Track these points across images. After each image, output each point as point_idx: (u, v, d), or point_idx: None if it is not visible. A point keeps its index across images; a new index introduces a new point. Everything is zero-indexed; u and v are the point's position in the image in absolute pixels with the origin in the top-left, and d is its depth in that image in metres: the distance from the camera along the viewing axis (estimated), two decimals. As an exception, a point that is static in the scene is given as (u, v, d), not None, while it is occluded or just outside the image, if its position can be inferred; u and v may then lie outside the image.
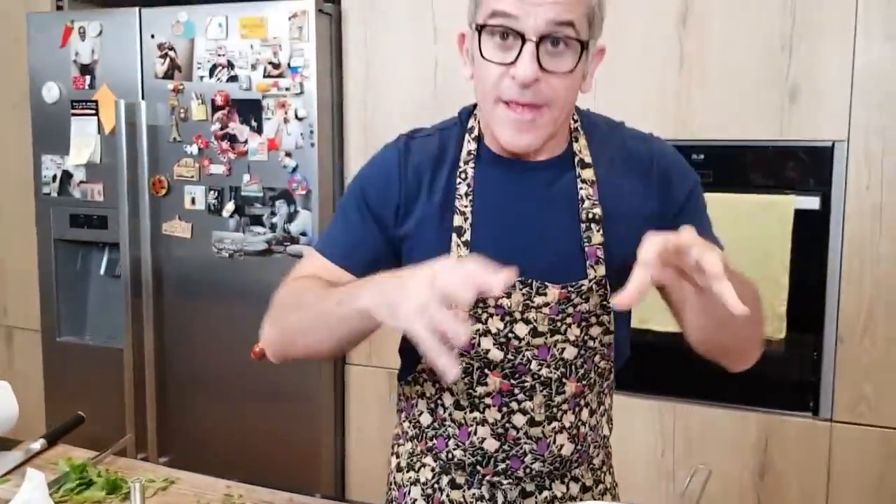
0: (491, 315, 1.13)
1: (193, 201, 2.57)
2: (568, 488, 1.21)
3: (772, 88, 2.09)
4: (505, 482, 1.18)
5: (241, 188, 2.50)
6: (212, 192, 2.54)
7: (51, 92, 2.74)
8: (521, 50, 1.02)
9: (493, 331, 1.13)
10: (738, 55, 2.12)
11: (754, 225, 2.09)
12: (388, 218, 1.15)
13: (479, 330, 1.13)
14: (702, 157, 2.15)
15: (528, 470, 1.17)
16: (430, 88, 2.43)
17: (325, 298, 1.06)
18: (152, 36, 2.57)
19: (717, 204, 2.04)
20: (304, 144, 2.43)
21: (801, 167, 2.10)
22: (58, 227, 2.80)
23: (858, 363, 2.06)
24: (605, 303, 1.15)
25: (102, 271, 2.89)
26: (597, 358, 1.18)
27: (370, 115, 2.52)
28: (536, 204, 1.15)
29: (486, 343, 1.13)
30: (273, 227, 2.49)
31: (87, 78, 2.68)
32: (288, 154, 2.44)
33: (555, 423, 1.16)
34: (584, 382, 1.17)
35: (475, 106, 1.18)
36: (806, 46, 2.05)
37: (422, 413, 1.21)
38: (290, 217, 2.47)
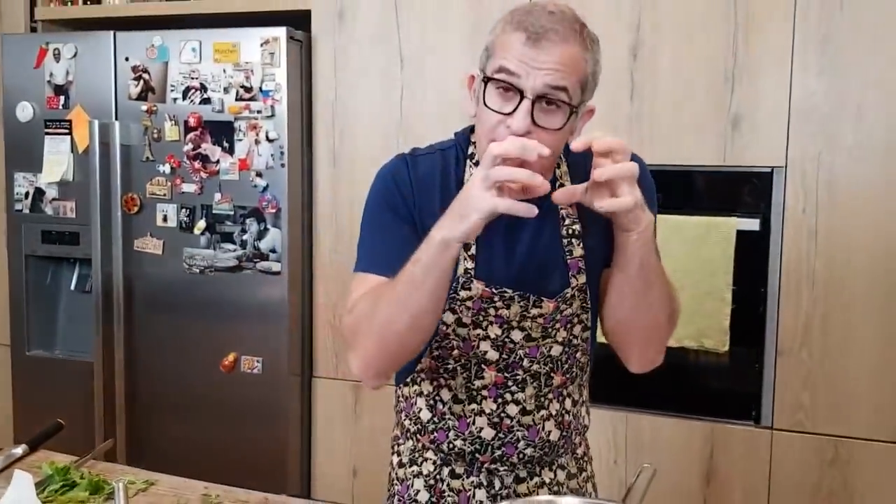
0: (491, 323, 1.26)
1: (165, 219, 2.63)
2: (555, 475, 1.35)
3: (716, 118, 2.22)
4: (501, 469, 1.32)
5: (213, 206, 2.57)
6: (184, 210, 2.60)
7: (24, 111, 2.77)
8: (518, 104, 1.14)
9: (492, 336, 1.27)
10: (684, 87, 2.25)
11: (699, 245, 2.21)
12: (413, 215, 1.25)
13: (479, 335, 1.27)
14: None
15: (521, 456, 1.31)
16: (395, 113, 2.53)
17: (401, 277, 1.14)
18: (126, 59, 2.63)
19: (665, 225, 2.18)
20: (275, 165, 2.50)
21: (742, 191, 2.24)
22: (29, 242, 2.83)
23: (797, 374, 2.19)
24: (584, 304, 1.30)
25: (73, 286, 2.92)
26: (578, 353, 1.34)
27: (338, 137, 2.61)
28: (529, 229, 1.27)
29: (485, 346, 1.27)
30: (244, 244, 2.56)
31: (62, 98, 2.72)
32: (259, 174, 2.52)
33: (543, 412, 1.31)
34: (567, 375, 1.33)
35: (472, 129, 1.31)
36: (747, 80, 2.19)
37: (421, 410, 1.33)
38: (261, 234, 2.54)
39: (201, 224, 2.58)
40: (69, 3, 2.98)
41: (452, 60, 2.44)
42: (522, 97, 1.14)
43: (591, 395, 2.31)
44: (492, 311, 1.26)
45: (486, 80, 1.18)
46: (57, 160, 2.74)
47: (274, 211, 2.52)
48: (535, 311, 1.27)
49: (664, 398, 2.31)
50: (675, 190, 2.27)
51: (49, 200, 2.78)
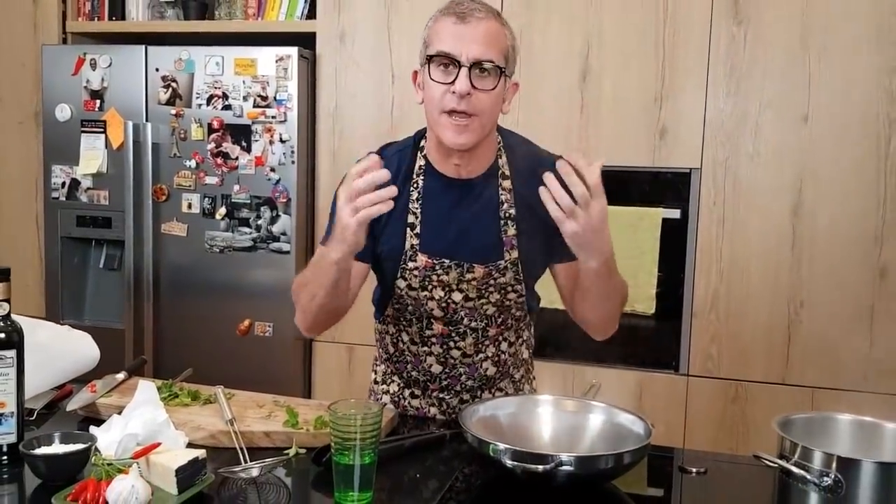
0: (435, 286, 1.48)
1: (190, 206, 2.93)
2: (494, 395, 1.60)
3: (647, 129, 2.61)
4: (447, 396, 1.59)
5: (232, 196, 2.89)
6: (206, 199, 2.92)
7: (63, 112, 3.03)
8: (458, 73, 1.33)
9: (436, 297, 1.49)
10: (623, 104, 2.63)
11: (632, 230, 2.60)
12: None
13: (426, 296, 1.49)
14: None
15: (463, 385, 1.58)
16: (387, 122, 2.88)
17: (312, 271, 1.40)
18: (156, 69, 2.93)
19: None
20: (286, 162, 2.84)
21: (667, 187, 2.62)
22: (64, 226, 3.09)
23: (707, 332, 2.60)
24: (517, 276, 1.49)
25: (101, 265, 3.20)
26: (512, 310, 1.55)
27: (337, 141, 2.95)
28: (468, 208, 1.47)
29: (432, 304, 1.50)
30: (258, 228, 2.88)
31: (97, 102, 3.00)
32: (272, 169, 2.85)
33: (481, 355, 1.55)
34: (502, 327, 1.55)
35: (426, 129, 1.49)
36: (671, 99, 2.58)
37: (388, 345, 1.62)
38: (273, 220, 2.87)
39: (222, 210, 2.90)
40: (96, 18, 3.26)
41: (435, 78, 2.80)
42: (460, 67, 1.32)
43: (547, 354, 2.70)
44: (434, 277, 1.46)
45: (429, 58, 1.36)
46: (93, 154, 3.02)
47: (284, 200, 2.85)
48: (469, 276, 1.46)
49: (604, 353, 2.70)
50: (614, 185, 2.61)
51: (84, 190, 3.06)
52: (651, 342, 2.67)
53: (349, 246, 1.27)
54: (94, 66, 3.00)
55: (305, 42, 2.91)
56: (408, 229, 1.47)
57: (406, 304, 1.53)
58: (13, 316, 1.36)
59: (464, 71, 1.33)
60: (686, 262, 2.62)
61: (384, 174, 1.22)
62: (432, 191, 1.47)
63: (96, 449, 1.27)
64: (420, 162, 1.49)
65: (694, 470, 1.34)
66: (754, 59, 2.51)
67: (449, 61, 1.34)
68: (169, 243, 2.97)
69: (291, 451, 1.38)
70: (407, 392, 1.65)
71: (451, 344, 1.54)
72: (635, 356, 2.68)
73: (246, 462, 1.29)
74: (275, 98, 2.81)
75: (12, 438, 1.31)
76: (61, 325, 3.11)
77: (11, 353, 1.30)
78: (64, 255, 3.13)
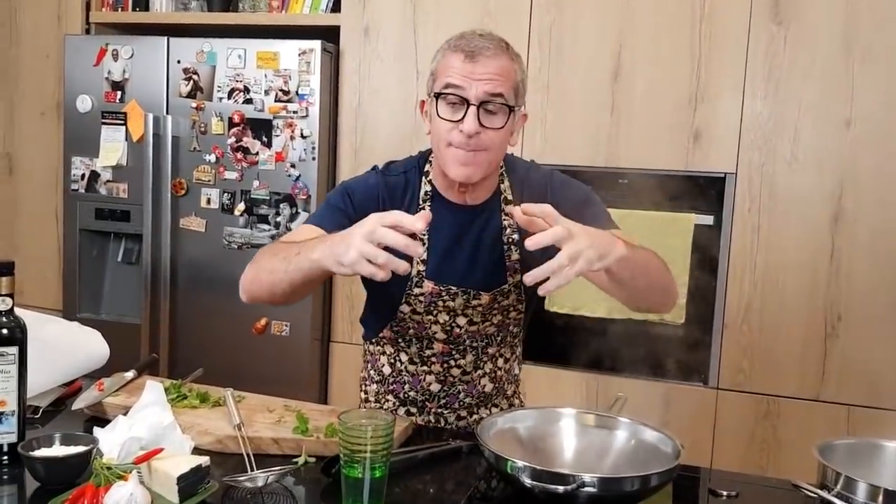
0: (440, 311, 1.49)
1: (209, 201, 2.91)
2: (490, 412, 1.60)
3: (680, 131, 2.54)
4: (445, 412, 1.58)
5: (251, 192, 2.86)
6: (225, 195, 2.89)
7: (83, 103, 3.03)
8: (466, 112, 1.32)
9: (441, 321, 1.50)
10: (655, 105, 2.56)
11: (663, 235, 2.53)
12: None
13: (430, 320, 1.49)
14: (626, 181, 2.62)
15: (461, 403, 1.58)
16: (410, 119, 2.83)
17: (290, 248, 1.27)
18: (178, 61, 2.91)
19: (635, 218, 2.53)
20: (307, 158, 2.80)
21: (699, 192, 2.55)
22: (83, 219, 3.09)
23: (738, 344, 2.53)
24: (519, 297, 1.51)
25: (119, 258, 3.19)
26: (511, 327, 1.57)
27: (359, 137, 2.91)
28: (473, 234, 1.48)
29: (435, 328, 1.50)
30: (277, 225, 2.85)
31: (118, 93, 3.00)
32: (292, 165, 2.82)
33: (479, 371, 1.56)
34: (501, 345, 1.57)
35: (430, 152, 1.49)
36: (707, 101, 2.52)
37: (384, 365, 1.60)
38: (292, 217, 2.84)
39: (241, 206, 2.87)
40: (119, 9, 3.25)
41: (461, 75, 2.75)
42: (469, 105, 1.32)
43: (572, 363, 2.63)
44: (440, 303, 1.48)
45: (437, 95, 1.36)
46: (113, 147, 3.01)
47: (304, 197, 2.82)
48: (475, 302, 1.48)
49: (630, 363, 2.64)
50: (645, 190, 2.56)
51: (103, 182, 3.05)
52: (680, 353, 2.60)
53: (346, 268, 1.14)
54: (115, 56, 2.99)
55: (329, 36, 2.87)
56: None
57: (408, 327, 1.53)
58: (18, 311, 1.33)
59: (472, 110, 1.33)
60: (718, 271, 2.55)
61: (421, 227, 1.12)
62: (438, 217, 1.43)
63: (97, 452, 1.23)
64: (426, 187, 1.49)
65: (725, 493, 1.27)
66: (794, 59, 2.43)
67: (457, 99, 1.34)
68: (187, 238, 2.95)
69: (300, 460, 1.33)
70: (402, 410, 1.62)
71: (452, 362, 1.55)
72: (663, 367, 2.62)
73: (252, 470, 1.25)
74: (297, 92, 2.78)
75: (13, 438, 1.28)
76: (77, 319, 3.16)
77: (13, 350, 1.27)
78: (82, 248, 3.13)
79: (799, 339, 2.48)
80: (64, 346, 1.66)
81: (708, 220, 2.52)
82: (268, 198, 2.85)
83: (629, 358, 2.62)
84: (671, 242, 2.54)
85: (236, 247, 2.90)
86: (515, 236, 1.48)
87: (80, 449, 1.20)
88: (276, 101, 2.80)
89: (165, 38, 2.93)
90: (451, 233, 1.47)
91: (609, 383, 2.65)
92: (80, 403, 1.52)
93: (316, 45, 2.76)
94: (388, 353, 1.60)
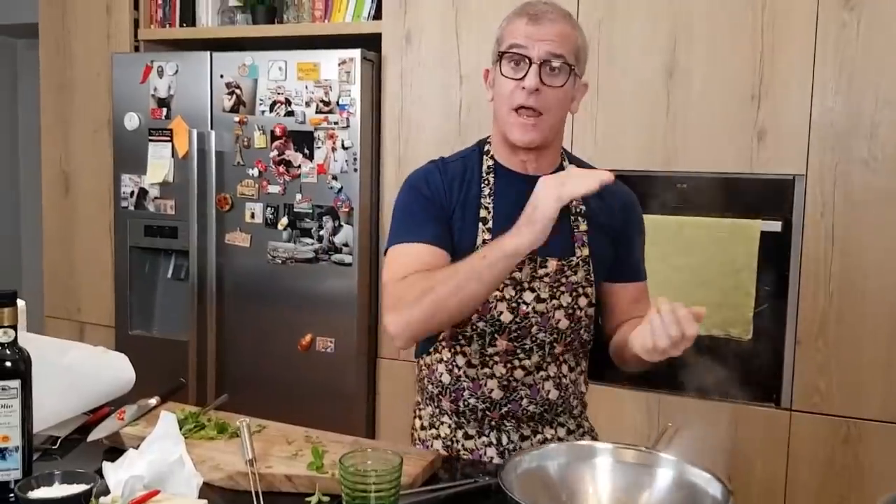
0: (506, 285, 1.43)
1: (253, 216, 2.89)
2: (556, 431, 1.53)
3: (743, 130, 2.38)
4: (508, 424, 1.50)
5: (294, 205, 2.83)
6: (269, 209, 2.87)
7: (131, 121, 3.07)
8: (528, 70, 1.38)
9: (507, 297, 1.44)
10: (715, 103, 2.41)
11: (728, 243, 2.38)
12: (441, 203, 1.46)
13: (496, 296, 1.43)
14: (685, 186, 2.46)
15: (524, 412, 1.49)
16: (454, 125, 2.75)
17: (463, 265, 1.31)
18: (221, 76, 2.91)
19: (696, 225, 2.37)
20: (349, 170, 2.75)
21: (766, 196, 2.38)
22: (133, 236, 3.13)
23: (813, 361, 2.34)
24: (588, 277, 1.48)
25: (169, 275, 3.21)
26: (582, 330, 1.51)
27: (403, 146, 2.84)
28: None
29: (501, 307, 1.44)
30: (320, 239, 2.81)
31: (164, 110, 3.01)
32: (334, 177, 2.77)
33: (542, 373, 1.49)
34: (568, 346, 1.50)
35: (487, 137, 1.55)
36: (771, 96, 2.35)
37: (442, 374, 1.54)
38: (335, 230, 2.79)
39: (284, 221, 2.84)
40: (167, 26, 3.28)
41: (507, 78, 2.65)
42: (530, 64, 1.38)
43: (631, 381, 2.51)
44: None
45: (501, 54, 1.42)
46: (160, 164, 3.03)
47: (347, 210, 2.77)
48: (541, 272, 1.45)
49: (694, 381, 2.47)
50: (706, 194, 2.41)
51: (152, 199, 3.07)
52: (748, 371, 2.43)
53: (539, 230, 1.26)
54: (161, 73, 3.01)
55: (369, 44, 2.81)
56: (480, 224, 1.47)
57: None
58: (40, 338, 1.30)
59: (534, 68, 1.39)
60: (789, 282, 2.37)
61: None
62: (502, 187, 1.49)
63: (98, 491, 1.18)
64: (488, 163, 1.52)
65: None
66: (869, 49, 2.23)
67: (520, 57, 1.40)
68: (232, 254, 2.94)
69: (313, 500, 1.25)
70: (460, 433, 1.54)
71: (516, 362, 1.49)
72: (730, 387, 2.43)
73: (259, 511, 1.18)
74: (337, 103, 2.73)
75: (17, 475, 1.25)
76: (129, 336, 3.20)
77: (16, 384, 1.24)
78: (133, 265, 3.16)
79: (882, 354, 2.28)
80: (87, 372, 1.63)
81: (776, 226, 2.35)
82: (310, 211, 2.81)
83: (693, 377, 2.45)
84: (736, 251, 2.38)
85: (280, 261, 2.87)
86: (583, 208, 1.50)
87: (76, 489, 1.16)
88: (317, 112, 2.76)
89: (208, 52, 2.93)
90: (515, 200, 1.42)
91: (670, 404, 2.50)
92: (97, 434, 1.49)
93: (356, 53, 2.71)
94: (445, 359, 1.52)
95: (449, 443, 1.55)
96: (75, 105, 3.37)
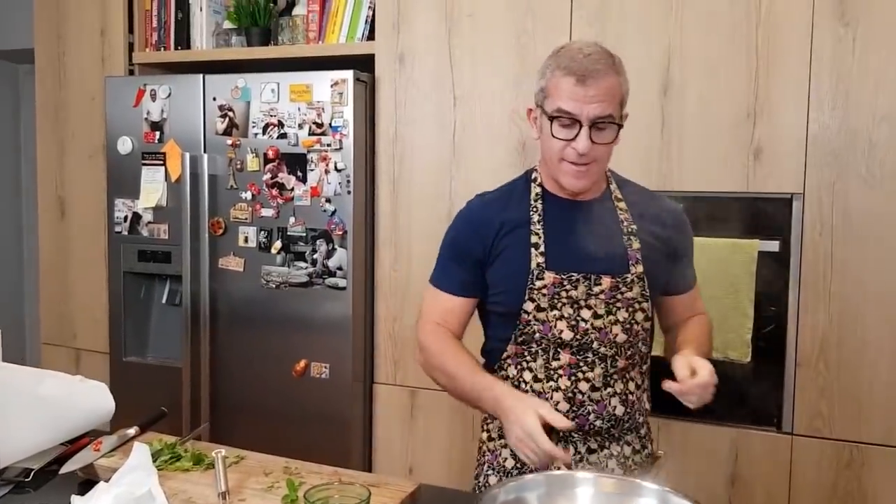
0: (564, 304, 1.51)
1: (246, 240, 2.88)
2: (622, 449, 1.58)
3: (739, 149, 2.35)
4: (575, 436, 1.53)
5: (288, 229, 2.81)
6: (262, 232, 2.86)
7: (124, 145, 3.07)
8: (579, 131, 1.45)
9: (566, 315, 1.52)
10: (710, 121, 2.39)
11: (724, 264, 2.34)
12: (477, 252, 1.58)
13: (555, 315, 1.51)
14: (680, 205, 2.42)
15: (591, 427, 1.53)
16: (448, 147, 2.74)
17: (461, 377, 1.54)
18: (214, 98, 2.91)
19: (694, 246, 2.31)
20: (342, 192, 2.74)
21: (763, 215, 2.34)
22: (127, 261, 3.12)
23: (815, 384, 2.30)
24: (644, 293, 1.55)
25: (164, 300, 3.20)
26: (639, 343, 1.57)
27: (397, 168, 2.83)
28: (588, 225, 1.54)
29: (561, 325, 1.52)
30: (314, 263, 2.79)
31: (157, 133, 3.02)
32: (328, 200, 2.75)
33: (609, 389, 1.54)
34: (630, 361, 1.56)
35: (535, 167, 1.64)
36: (767, 114, 2.32)
37: None
38: (329, 254, 2.77)
39: (277, 244, 2.83)
40: (162, 49, 3.29)
41: (499, 101, 2.63)
42: (581, 125, 1.44)
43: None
44: (563, 294, 1.51)
45: (551, 118, 1.48)
46: (153, 188, 3.03)
47: (341, 233, 2.75)
48: (596, 289, 1.51)
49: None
50: (702, 214, 2.38)
51: (145, 223, 3.07)
52: (748, 395, 2.38)
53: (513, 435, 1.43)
54: (154, 96, 3.02)
55: (362, 65, 2.81)
56: (532, 249, 1.53)
57: (532, 331, 1.54)
58: (15, 367, 1.28)
59: (584, 131, 1.45)
60: (789, 303, 2.32)
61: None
62: (552, 211, 1.56)
63: (62, 527, 1.16)
64: (536, 190, 1.59)
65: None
66: (865, 65, 2.21)
67: (569, 121, 1.45)
68: (226, 278, 2.93)
69: (284, 534, 1.23)
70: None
71: (580, 375, 1.54)
72: (730, 411, 2.39)
73: (226, 548, 1.15)
74: (330, 125, 2.72)
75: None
76: (123, 362, 3.18)
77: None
78: (128, 291, 3.15)
79: (885, 377, 2.23)
80: (63, 403, 1.61)
81: (773, 245, 2.31)
82: (304, 234, 2.80)
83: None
84: (733, 272, 2.34)
85: (274, 286, 2.85)
86: (634, 227, 1.57)
87: (38, 527, 1.13)
88: (309, 134, 2.75)
89: (201, 75, 2.93)
90: (566, 226, 1.55)
91: (670, 428, 2.46)
92: (71, 466, 1.48)
93: (348, 74, 2.70)
94: (511, 375, 1.58)
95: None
96: (70, 129, 3.37)
